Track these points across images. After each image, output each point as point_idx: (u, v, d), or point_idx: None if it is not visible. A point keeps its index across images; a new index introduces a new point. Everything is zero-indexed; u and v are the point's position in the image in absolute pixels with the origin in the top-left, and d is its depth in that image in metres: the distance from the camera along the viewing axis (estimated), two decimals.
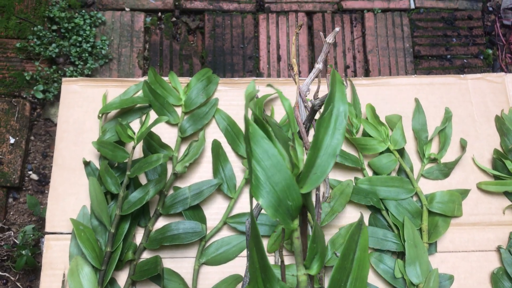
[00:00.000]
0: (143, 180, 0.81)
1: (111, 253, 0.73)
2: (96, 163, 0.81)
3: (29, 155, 1.19)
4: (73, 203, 0.80)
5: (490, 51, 1.22)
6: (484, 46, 1.23)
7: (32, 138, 1.20)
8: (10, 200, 1.18)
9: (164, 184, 0.78)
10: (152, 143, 0.80)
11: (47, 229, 0.78)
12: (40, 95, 1.16)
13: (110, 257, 0.73)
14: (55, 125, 1.23)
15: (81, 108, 0.86)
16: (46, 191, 1.15)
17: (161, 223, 0.78)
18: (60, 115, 0.85)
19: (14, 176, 1.15)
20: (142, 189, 0.75)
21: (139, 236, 0.77)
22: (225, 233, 0.79)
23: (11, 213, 1.17)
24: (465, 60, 1.26)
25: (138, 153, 0.82)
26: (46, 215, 0.79)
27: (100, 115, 0.84)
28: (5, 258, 1.11)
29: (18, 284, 1.09)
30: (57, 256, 0.77)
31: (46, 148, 1.19)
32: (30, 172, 1.18)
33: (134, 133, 0.78)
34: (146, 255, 0.76)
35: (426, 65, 1.19)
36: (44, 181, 1.17)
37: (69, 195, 0.81)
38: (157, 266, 0.71)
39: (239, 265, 0.76)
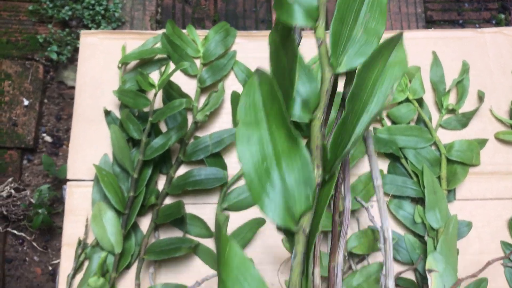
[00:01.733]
0: (164, 130, 0.81)
1: (134, 198, 0.74)
2: (117, 113, 0.82)
3: (43, 117, 1.19)
4: (93, 153, 0.81)
5: (503, 16, 1.22)
6: (496, 11, 1.23)
7: (45, 101, 1.20)
8: (25, 162, 1.18)
9: (186, 132, 0.78)
10: (171, 92, 0.80)
11: (69, 177, 0.79)
12: (54, 56, 1.16)
13: (133, 202, 0.74)
14: (69, 88, 1.24)
15: (100, 60, 0.86)
16: (60, 153, 1.16)
17: (182, 170, 0.79)
18: (79, 67, 0.85)
19: (28, 138, 1.15)
20: (164, 135, 0.76)
21: (161, 184, 0.78)
22: None
23: (26, 174, 1.17)
24: (477, 25, 1.26)
25: (158, 103, 0.82)
26: (68, 163, 0.79)
27: (120, 65, 0.84)
28: (22, 217, 1.12)
29: (34, 244, 1.10)
30: (78, 202, 0.78)
31: (60, 110, 1.19)
32: (44, 135, 1.19)
33: (154, 82, 0.78)
34: (168, 201, 0.77)
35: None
36: (58, 143, 1.18)
37: (90, 145, 0.81)
38: (180, 210, 0.72)
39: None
